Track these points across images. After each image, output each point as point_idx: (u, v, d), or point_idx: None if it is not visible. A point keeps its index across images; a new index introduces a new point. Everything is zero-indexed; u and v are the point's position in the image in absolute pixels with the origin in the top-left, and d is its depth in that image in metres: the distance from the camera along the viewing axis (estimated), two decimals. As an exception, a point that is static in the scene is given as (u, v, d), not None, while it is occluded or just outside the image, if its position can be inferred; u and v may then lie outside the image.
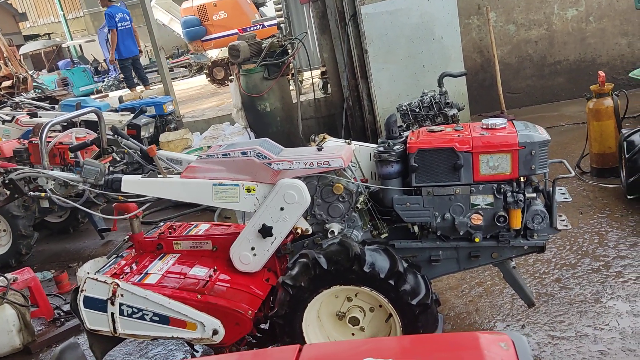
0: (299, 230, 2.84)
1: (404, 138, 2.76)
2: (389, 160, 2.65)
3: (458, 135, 2.58)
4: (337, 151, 2.78)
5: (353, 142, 3.09)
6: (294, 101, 7.43)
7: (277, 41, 7.09)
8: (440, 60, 6.79)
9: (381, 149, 2.68)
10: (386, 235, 2.84)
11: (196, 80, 15.78)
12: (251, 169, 2.82)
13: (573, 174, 2.60)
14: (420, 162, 2.60)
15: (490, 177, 2.56)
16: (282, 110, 7.17)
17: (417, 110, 5.55)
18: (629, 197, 4.05)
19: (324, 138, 5.41)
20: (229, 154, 2.85)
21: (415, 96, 5.83)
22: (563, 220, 2.69)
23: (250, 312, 2.67)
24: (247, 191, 2.83)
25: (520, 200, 2.52)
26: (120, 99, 7.73)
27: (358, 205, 2.74)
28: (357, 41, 6.52)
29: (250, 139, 6.97)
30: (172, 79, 18.19)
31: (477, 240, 2.62)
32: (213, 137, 7.06)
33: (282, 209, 2.76)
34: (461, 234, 2.63)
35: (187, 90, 12.84)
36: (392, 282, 2.41)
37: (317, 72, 8.43)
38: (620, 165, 4.23)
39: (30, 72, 17.12)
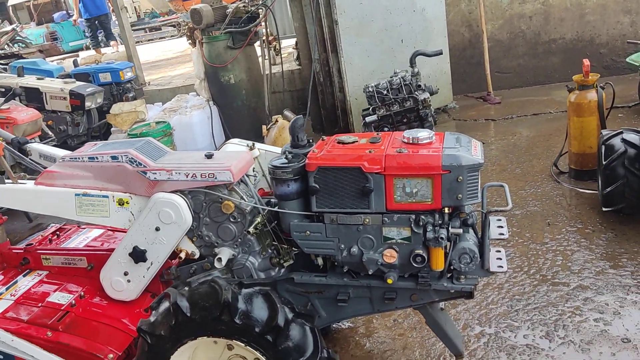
0: (182, 254, 2.33)
1: (309, 149, 2.22)
2: (284, 179, 2.11)
3: (369, 151, 2.03)
4: (228, 160, 2.24)
5: (259, 145, 2.55)
6: (266, 72, 6.82)
7: (244, 6, 6.43)
8: (422, 35, 6.15)
9: (276, 163, 2.14)
10: (291, 262, 2.33)
11: (183, 41, 15.02)
12: (123, 177, 2.30)
13: (510, 206, 2.05)
14: (322, 182, 2.06)
15: (406, 206, 2.02)
16: (249, 83, 6.57)
17: (385, 92, 4.96)
18: (604, 209, 3.50)
19: (276, 121, 4.87)
20: (97, 158, 2.32)
21: (387, 75, 5.24)
22: (500, 259, 2.16)
23: (111, 355, 2.19)
24: (119, 204, 2.32)
25: (443, 237, 1.99)
26: (75, 63, 7.16)
27: (251, 229, 2.22)
28: (327, 10, 5.87)
29: (211, 113, 6.42)
30: (160, 38, 17.55)
31: (389, 281, 2.10)
32: (172, 110, 6.51)
33: (157, 229, 2.25)
34: (370, 272, 2.11)
35: (167, 52, 12.15)
36: (269, 337, 1.92)
37: (293, 41, 7.79)
38: (598, 170, 3.67)
39: (13, 26, 16.47)
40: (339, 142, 2.15)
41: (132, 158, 2.27)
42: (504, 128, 5.75)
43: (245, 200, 2.25)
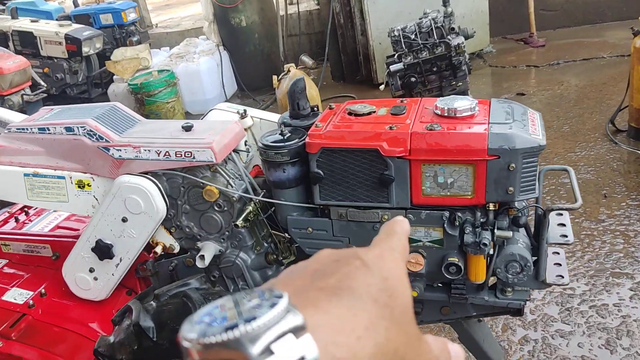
0: (158, 249, 1.89)
1: (313, 120, 1.71)
2: (278, 162, 1.62)
3: (390, 127, 1.52)
4: (210, 134, 1.76)
5: (253, 112, 2.05)
6: (281, 13, 6.20)
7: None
8: (456, -32, 5.40)
9: (268, 140, 1.65)
10: (292, 259, 1.88)
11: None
12: (81, 154, 1.84)
13: (579, 203, 1.52)
14: (327, 168, 1.57)
15: (438, 200, 1.53)
16: (261, 25, 5.98)
17: (413, 37, 4.34)
18: (674, 180, 2.94)
19: (288, 71, 4.32)
20: (48, 129, 1.86)
21: (416, 17, 4.60)
22: (559, 265, 1.66)
23: (71, 370, 1.80)
24: (79, 186, 1.87)
25: (486, 243, 1.50)
26: (75, 3, 6.61)
27: (239, 221, 1.76)
28: (349, -60, 5.17)
29: (221, 60, 5.88)
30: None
31: (414, 294, 1.63)
32: (179, 56, 5.97)
33: (124, 220, 1.81)
34: (390, 281, 1.64)
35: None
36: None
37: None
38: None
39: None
40: (350, 114, 1.63)
41: (90, 130, 1.81)
42: (549, 76, 5.08)
43: (232, 186, 1.78)
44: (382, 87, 4.50)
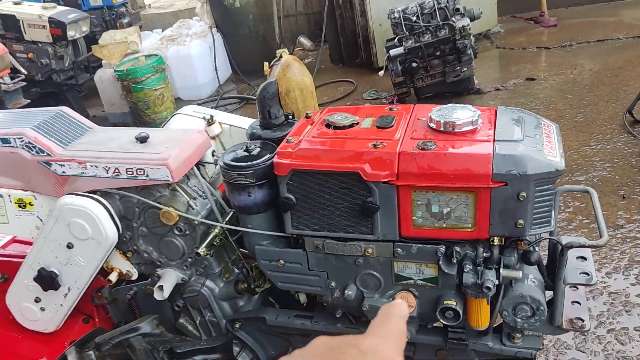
0: (112, 276, 1.65)
1: (287, 131, 1.45)
2: (242, 185, 1.36)
3: (374, 145, 1.25)
4: (167, 147, 1.50)
5: (222, 117, 1.78)
6: (277, -8, 5.88)
7: None
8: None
9: (229, 159, 1.38)
10: (267, 286, 1.64)
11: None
12: (20, 169, 1.59)
13: (605, 239, 1.25)
14: (300, 193, 1.31)
15: (433, 233, 1.27)
16: (256, 6, 5.66)
17: (414, 19, 4.03)
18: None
19: (280, 57, 4.02)
20: (-18, 142, 1.60)
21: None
22: (577, 303, 1.41)
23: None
24: (19, 206, 1.63)
25: (489, 286, 1.24)
26: (63, -16, 6.29)
27: (202, 249, 1.51)
28: None
29: (214, 43, 5.58)
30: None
31: (405, 339, 1.38)
32: (170, 39, 5.68)
33: (69, 246, 1.57)
34: (376, 323, 1.39)
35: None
36: None
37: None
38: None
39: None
40: (328, 126, 1.36)
41: (29, 142, 1.55)
42: (560, 59, 4.75)
43: (193, 208, 1.52)
44: (381, 72, 4.20)
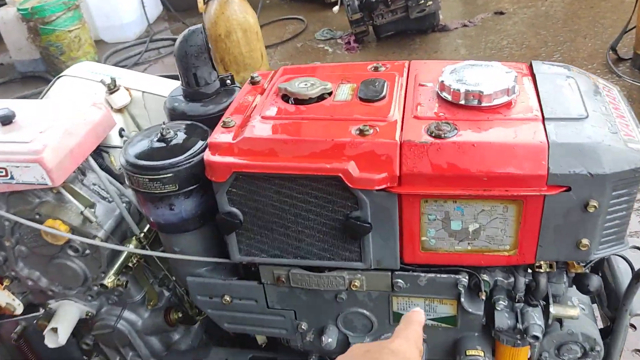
0: (-10, 312, 1.17)
1: (224, 103, 0.97)
2: (159, 195, 0.88)
3: (359, 130, 0.79)
4: (42, 132, 1.00)
5: (133, 77, 1.26)
6: None
7: None
8: None
9: (133, 155, 0.90)
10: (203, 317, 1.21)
11: None
12: None
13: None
14: (248, 205, 0.85)
15: (451, 258, 0.85)
16: None
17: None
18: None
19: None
20: None
21: None
22: (632, 326, 1.04)
23: None
24: None
25: (536, 335, 0.85)
26: None
27: (107, 281, 1.05)
28: None
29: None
30: None
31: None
32: None
33: None
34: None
35: None
36: None
37: None
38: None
39: None
40: (285, 98, 0.89)
41: None
42: (529, -11, 4.32)
43: (92, 220, 1.04)
44: (335, 8, 3.67)
